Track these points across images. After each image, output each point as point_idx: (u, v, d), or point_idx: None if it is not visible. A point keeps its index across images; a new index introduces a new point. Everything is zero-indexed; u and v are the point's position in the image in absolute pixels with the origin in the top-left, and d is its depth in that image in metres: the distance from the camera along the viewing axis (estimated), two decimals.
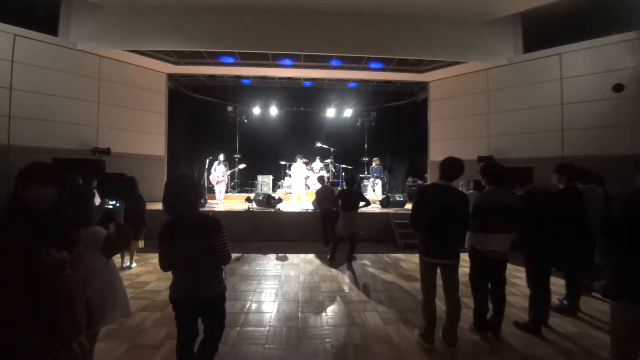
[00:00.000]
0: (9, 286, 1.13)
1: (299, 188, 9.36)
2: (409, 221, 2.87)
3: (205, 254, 1.87)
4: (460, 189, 3.14)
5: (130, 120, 8.18)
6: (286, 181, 10.39)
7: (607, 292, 1.88)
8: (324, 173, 10.61)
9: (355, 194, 5.54)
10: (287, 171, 10.60)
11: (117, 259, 4.95)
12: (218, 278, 1.96)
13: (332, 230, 6.08)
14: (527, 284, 3.17)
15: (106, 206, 2.16)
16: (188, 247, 1.83)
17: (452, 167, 2.74)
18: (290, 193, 9.57)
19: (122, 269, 4.92)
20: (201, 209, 2.16)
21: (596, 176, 4.22)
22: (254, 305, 3.69)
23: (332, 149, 10.55)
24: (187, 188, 1.93)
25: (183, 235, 1.83)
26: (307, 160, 10.79)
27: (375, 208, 8.30)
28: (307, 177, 10.54)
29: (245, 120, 11.30)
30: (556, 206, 3.19)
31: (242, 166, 9.91)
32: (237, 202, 8.88)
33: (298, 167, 9.44)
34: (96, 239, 1.88)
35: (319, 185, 10.26)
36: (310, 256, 5.92)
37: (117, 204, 2.15)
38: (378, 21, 7.29)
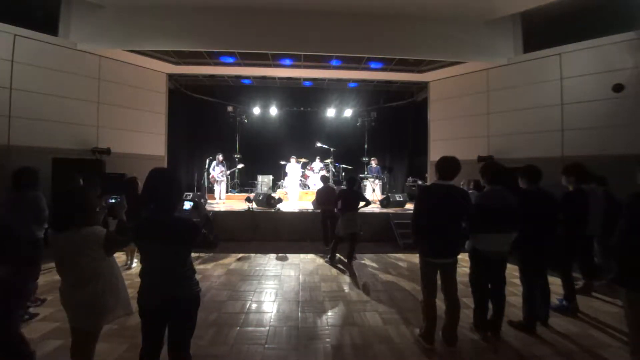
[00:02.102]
0: None
1: (294, 188, 9.37)
2: (413, 222, 2.83)
3: (181, 256, 1.80)
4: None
5: (130, 120, 8.17)
6: (285, 181, 10.40)
7: (620, 281, 1.94)
8: (324, 172, 10.61)
9: (356, 194, 5.55)
10: (285, 171, 10.63)
11: (120, 257, 4.97)
12: (193, 279, 1.86)
13: (332, 230, 6.09)
14: (521, 283, 3.18)
15: (108, 201, 2.16)
16: (165, 248, 1.75)
17: (448, 165, 2.75)
18: (287, 193, 9.57)
19: (125, 266, 4.96)
20: (201, 209, 2.14)
21: (597, 176, 4.23)
22: (254, 305, 3.69)
23: (332, 149, 10.56)
24: (170, 186, 1.84)
25: (160, 236, 1.74)
26: (307, 160, 10.81)
27: (375, 208, 8.30)
28: (306, 177, 10.55)
29: (245, 120, 11.29)
30: (564, 208, 3.20)
31: (240, 166, 9.91)
32: (237, 202, 8.87)
33: (292, 167, 9.45)
34: (97, 238, 1.89)
35: (320, 185, 10.31)
36: (310, 256, 5.92)
37: (119, 199, 2.16)
38: (378, 21, 7.28)
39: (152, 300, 1.78)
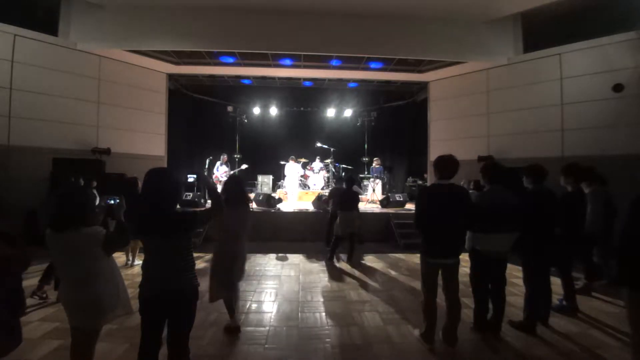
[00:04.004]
0: None
1: (294, 188, 9.37)
2: (416, 223, 2.80)
3: (182, 248, 1.84)
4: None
5: (130, 120, 8.18)
6: (285, 181, 10.39)
7: (622, 281, 1.91)
8: (324, 173, 10.61)
9: (355, 194, 5.55)
10: (284, 173, 10.63)
11: (121, 257, 4.98)
12: (193, 272, 1.90)
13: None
14: (524, 283, 3.16)
15: (107, 202, 2.17)
16: (165, 242, 1.81)
17: (446, 164, 2.74)
18: (287, 193, 9.58)
19: (126, 266, 4.96)
20: (204, 179, 2.17)
21: (599, 176, 4.22)
22: (254, 305, 3.69)
23: (332, 149, 10.55)
24: (168, 185, 1.88)
25: (160, 231, 1.80)
26: (307, 160, 10.81)
27: (375, 208, 8.30)
28: (306, 177, 10.55)
29: (245, 120, 11.28)
30: (564, 208, 3.17)
31: (244, 167, 9.91)
32: None
33: (290, 168, 9.44)
34: (97, 238, 1.89)
35: (320, 185, 10.30)
36: (310, 256, 5.92)
37: (117, 200, 2.17)
38: (378, 21, 7.28)
39: (152, 291, 1.82)
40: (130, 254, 5.18)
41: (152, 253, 1.87)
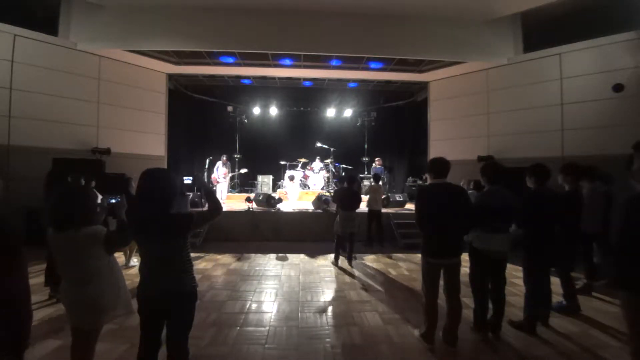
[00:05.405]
0: None
1: (294, 188, 9.38)
2: (418, 224, 2.79)
3: (178, 250, 1.83)
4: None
5: (130, 120, 8.18)
6: (285, 181, 10.39)
7: (619, 283, 1.88)
8: (324, 173, 10.61)
9: (355, 194, 5.53)
10: (286, 171, 10.63)
11: (120, 258, 4.97)
12: (190, 273, 1.89)
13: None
14: (524, 283, 3.16)
15: (109, 201, 2.17)
16: (161, 243, 1.80)
17: (441, 165, 2.77)
18: (287, 193, 9.58)
19: (126, 267, 4.96)
20: (200, 181, 2.18)
21: (598, 175, 4.20)
22: (254, 305, 3.69)
23: (332, 149, 10.55)
24: (163, 185, 1.86)
25: (156, 232, 1.79)
26: (307, 160, 10.82)
27: None
28: (306, 177, 10.55)
29: (245, 120, 11.28)
30: (561, 207, 3.16)
31: (243, 170, 9.89)
32: (237, 202, 8.87)
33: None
34: (97, 237, 1.89)
35: (320, 185, 10.30)
36: (310, 256, 5.92)
37: (119, 199, 2.16)
38: (378, 21, 7.28)
39: (150, 293, 1.82)
40: (128, 254, 5.16)
41: (149, 254, 1.86)
